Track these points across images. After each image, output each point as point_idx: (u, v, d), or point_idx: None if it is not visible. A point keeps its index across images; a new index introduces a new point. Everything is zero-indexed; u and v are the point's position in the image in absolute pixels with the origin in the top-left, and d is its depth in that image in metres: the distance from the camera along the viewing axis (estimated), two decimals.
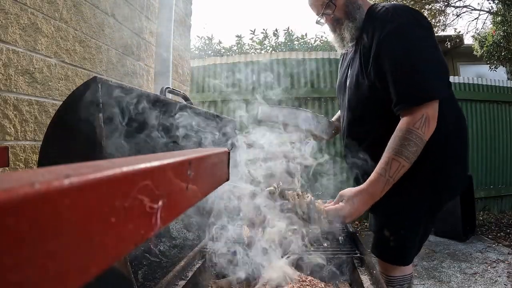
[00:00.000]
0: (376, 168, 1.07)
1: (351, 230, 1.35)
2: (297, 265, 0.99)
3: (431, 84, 1.07)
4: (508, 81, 4.84)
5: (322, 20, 1.32)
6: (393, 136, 1.07)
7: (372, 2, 1.33)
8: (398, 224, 1.22)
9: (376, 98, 1.18)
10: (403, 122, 1.07)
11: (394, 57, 1.09)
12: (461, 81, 4.57)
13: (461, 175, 1.26)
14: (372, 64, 1.15)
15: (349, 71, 1.33)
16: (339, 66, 1.53)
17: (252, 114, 1.56)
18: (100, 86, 0.77)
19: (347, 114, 1.33)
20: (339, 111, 1.57)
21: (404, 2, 6.57)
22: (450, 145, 1.19)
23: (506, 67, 6.66)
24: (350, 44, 1.30)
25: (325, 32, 7.81)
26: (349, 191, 1.11)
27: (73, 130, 0.85)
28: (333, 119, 1.63)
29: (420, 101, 1.05)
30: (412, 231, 1.21)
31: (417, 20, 1.12)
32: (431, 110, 1.06)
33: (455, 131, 1.21)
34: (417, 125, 1.04)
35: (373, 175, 1.07)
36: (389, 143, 1.07)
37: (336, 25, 1.29)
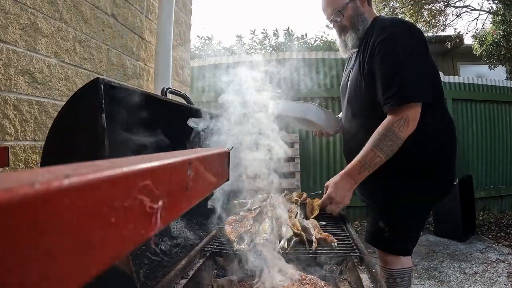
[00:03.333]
0: (358, 155, 1.26)
1: (351, 230, 1.35)
2: (298, 264, 0.99)
3: (413, 88, 1.20)
4: (508, 81, 4.83)
5: (331, 25, 1.46)
6: (375, 131, 1.24)
7: (377, 14, 1.46)
8: (397, 216, 1.35)
9: (371, 100, 1.29)
10: (385, 120, 1.24)
11: (384, 63, 1.22)
12: (461, 81, 4.56)
13: (450, 176, 1.39)
14: (366, 68, 1.28)
15: (351, 74, 1.45)
16: (344, 69, 1.66)
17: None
18: (102, 87, 0.77)
19: (346, 113, 1.47)
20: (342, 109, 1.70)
21: (404, 2, 6.56)
22: (442, 149, 1.32)
23: (505, 67, 6.65)
24: (352, 51, 1.44)
25: (325, 32, 7.81)
26: (332, 179, 1.32)
27: (75, 131, 0.85)
28: (339, 115, 1.73)
29: (401, 102, 1.19)
30: (409, 222, 1.34)
31: (410, 30, 1.25)
32: (412, 113, 1.19)
33: (447, 137, 1.34)
34: (396, 125, 1.19)
35: (354, 160, 1.27)
36: (371, 137, 1.24)
37: (341, 31, 1.43)
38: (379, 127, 1.23)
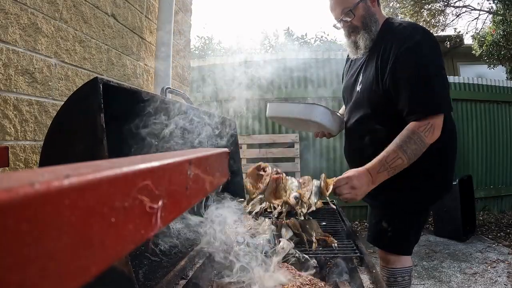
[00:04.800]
0: (379, 154, 1.22)
1: (351, 230, 1.35)
2: (297, 264, 0.99)
3: (441, 99, 1.21)
4: (508, 81, 4.83)
5: (339, 25, 1.41)
6: (400, 133, 1.21)
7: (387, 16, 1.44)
8: (398, 216, 1.36)
9: (386, 104, 1.29)
10: (411, 124, 1.20)
11: (412, 71, 1.21)
12: (461, 81, 4.56)
13: (449, 177, 1.41)
14: (389, 75, 1.25)
15: (361, 76, 1.42)
16: (346, 69, 1.63)
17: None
18: (101, 86, 0.77)
19: (354, 115, 1.44)
20: (341, 109, 1.70)
21: (404, 2, 6.57)
22: (444, 153, 1.35)
23: (505, 66, 6.64)
24: (362, 52, 1.39)
25: (325, 32, 7.81)
26: (353, 169, 1.25)
27: (74, 131, 0.85)
28: (339, 112, 1.70)
29: (431, 112, 1.19)
30: (410, 222, 1.36)
31: (430, 39, 1.25)
32: (438, 120, 1.21)
33: (449, 141, 1.36)
34: (422, 129, 1.19)
35: (375, 159, 1.22)
36: (395, 138, 1.21)
37: (352, 32, 1.39)
38: (403, 130, 1.21)
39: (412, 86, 1.20)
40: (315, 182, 1.30)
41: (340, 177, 1.22)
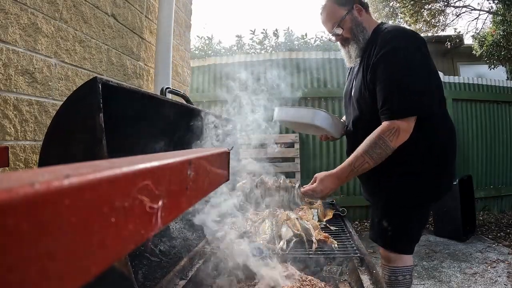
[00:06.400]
0: (348, 158, 1.33)
1: (352, 231, 1.36)
2: (298, 265, 0.99)
3: (409, 103, 1.24)
4: (508, 81, 4.83)
5: (333, 38, 1.51)
6: (367, 137, 1.29)
7: (379, 22, 1.49)
8: (399, 215, 1.38)
9: (375, 106, 1.32)
10: (378, 128, 1.27)
11: (385, 76, 1.26)
12: (461, 81, 4.56)
13: (450, 177, 1.44)
14: (369, 78, 1.32)
15: (354, 82, 1.49)
16: (347, 77, 1.71)
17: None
18: (100, 86, 0.77)
19: (351, 118, 1.51)
20: (345, 115, 1.76)
21: (404, 2, 6.56)
22: (444, 154, 1.37)
23: (505, 67, 6.63)
24: (356, 60, 1.47)
25: (325, 32, 7.79)
26: (321, 173, 1.37)
27: (73, 131, 0.85)
28: (343, 119, 1.77)
29: (396, 116, 1.24)
30: (411, 221, 1.38)
31: (414, 43, 1.27)
32: (405, 124, 1.25)
33: (449, 141, 1.39)
34: (387, 134, 1.25)
35: (343, 163, 1.33)
36: (363, 142, 1.29)
37: (344, 43, 1.48)
38: (371, 134, 1.29)
39: (384, 90, 1.26)
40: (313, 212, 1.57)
41: (307, 188, 1.39)
